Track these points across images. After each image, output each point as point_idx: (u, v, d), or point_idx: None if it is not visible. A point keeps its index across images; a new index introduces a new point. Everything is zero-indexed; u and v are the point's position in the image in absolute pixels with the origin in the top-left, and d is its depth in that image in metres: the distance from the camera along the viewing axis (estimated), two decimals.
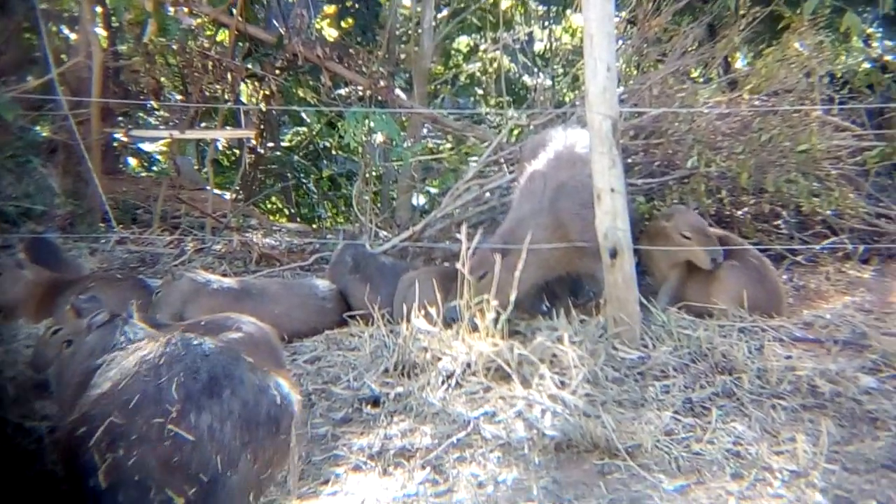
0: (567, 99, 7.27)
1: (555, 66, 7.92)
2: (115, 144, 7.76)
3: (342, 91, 7.72)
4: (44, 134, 6.69)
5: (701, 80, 6.19)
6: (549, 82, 7.75)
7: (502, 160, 5.99)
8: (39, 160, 6.24)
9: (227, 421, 2.40)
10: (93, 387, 2.56)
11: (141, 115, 8.18)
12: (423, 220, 5.91)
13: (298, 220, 10.24)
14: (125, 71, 7.18)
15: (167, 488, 2.31)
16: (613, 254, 3.74)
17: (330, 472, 2.86)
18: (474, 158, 6.81)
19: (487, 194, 5.87)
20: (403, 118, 7.78)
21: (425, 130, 8.44)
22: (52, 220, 6.02)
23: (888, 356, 3.56)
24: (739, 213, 5.40)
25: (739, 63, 6.64)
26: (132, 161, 9.22)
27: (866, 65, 6.16)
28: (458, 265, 3.86)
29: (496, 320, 3.59)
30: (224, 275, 5.35)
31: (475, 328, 3.65)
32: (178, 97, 7.93)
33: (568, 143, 4.43)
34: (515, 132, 6.66)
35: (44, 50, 6.28)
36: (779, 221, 5.50)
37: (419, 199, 8.72)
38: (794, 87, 5.25)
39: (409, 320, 3.86)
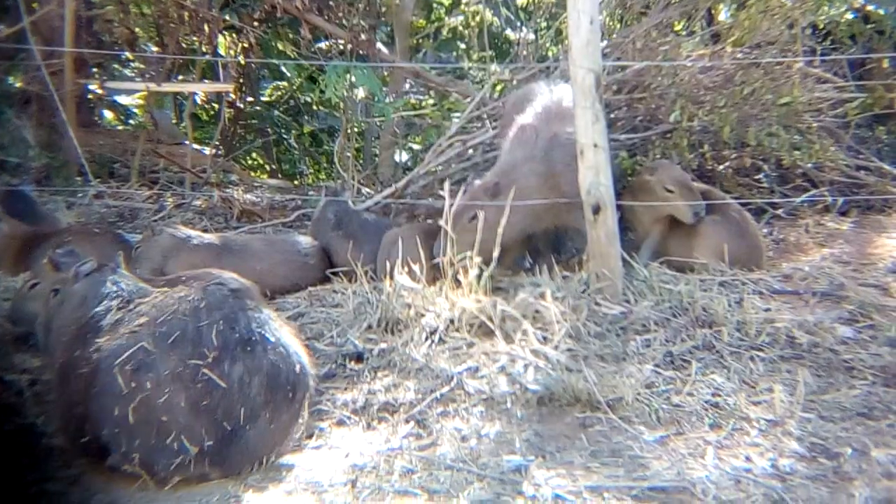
0: (550, 53, 7.18)
1: (538, 20, 7.79)
2: (90, 96, 7.57)
3: (322, 45, 7.58)
4: (17, 85, 6.50)
5: (684, 33, 6.14)
6: (532, 36, 7.63)
7: (485, 116, 5.94)
8: (13, 111, 6.08)
9: (255, 376, 2.50)
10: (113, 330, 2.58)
11: (116, 66, 7.97)
12: (405, 177, 5.87)
13: (280, 176, 10.12)
14: (98, 20, 6.96)
15: (185, 433, 2.39)
16: (596, 209, 3.74)
17: (314, 427, 2.89)
18: (457, 114, 6.76)
19: (470, 151, 5.83)
20: (385, 73, 7.66)
21: (407, 85, 8.32)
22: (27, 172, 5.90)
23: (865, 306, 3.63)
24: (721, 167, 5.42)
25: (723, 16, 6.57)
26: (108, 114, 9.02)
27: (849, 15, 6.11)
28: (441, 222, 3.85)
29: (479, 276, 3.60)
30: (205, 231, 5.30)
31: (458, 284, 3.65)
32: (154, 49, 7.72)
33: (557, 97, 4.40)
34: (498, 87, 6.60)
35: None
36: (760, 175, 5.53)
37: (401, 156, 8.66)
38: (776, 39, 5.22)
39: (392, 277, 3.87)
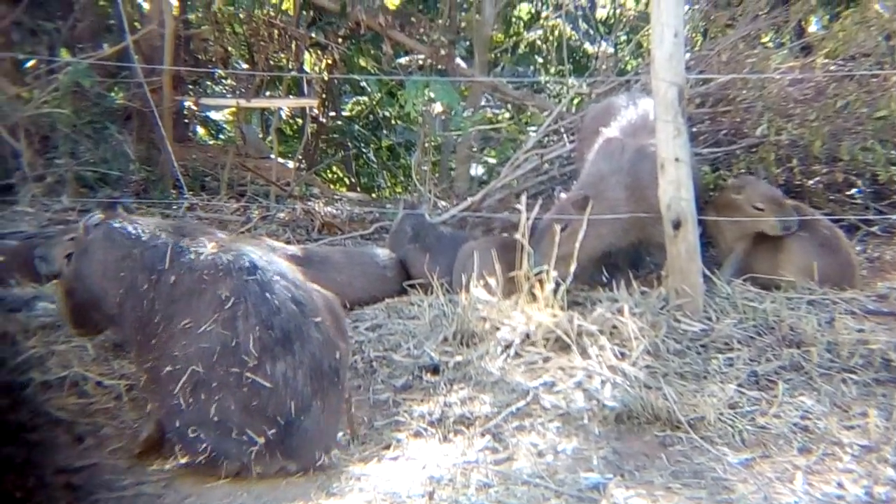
0: (629, 67, 7.10)
1: (618, 34, 7.72)
2: (185, 113, 7.93)
3: (403, 60, 7.72)
4: (119, 101, 6.88)
5: (772, 45, 5.96)
6: (611, 50, 7.56)
7: (562, 129, 5.92)
8: (115, 127, 6.44)
9: (298, 370, 2.60)
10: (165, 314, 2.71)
11: (209, 83, 8.33)
12: (481, 191, 5.90)
13: (359, 189, 10.35)
14: (195, 39, 7.29)
15: (248, 429, 2.51)
16: (677, 224, 3.67)
17: (391, 437, 2.92)
18: (533, 128, 6.75)
19: (546, 164, 5.82)
20: (463, 87, 7.73)
21: (484, 100, 8.37)
22: (127, 185, 6.23)
23: None
24: (811, 182, 5.21)
25: (814, 27, 6.35)
26: (200, 129, 9.43)
27: None
28: (518, 235, 3.86)
29: (555, 291, 3.58)
30: (288, 242, 5.45)
31: (534, 298, 3.64)
32: (245, 66, 8.04)
33: (642, 110, 4.35)
34: (576, 101, 6.56)
35: (119, 18, 6.43)
36: (853, 191, 5.28)
37: (478, 170, 8.70)
38: (872, 50, 5.01)
39: (467, 290, 3.89)
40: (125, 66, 6.31)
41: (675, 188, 3.66)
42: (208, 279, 2.70)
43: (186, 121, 8.11)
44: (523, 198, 4.07)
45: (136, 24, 6.68)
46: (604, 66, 6.76)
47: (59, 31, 6.76)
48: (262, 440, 2.54)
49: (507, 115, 8.35)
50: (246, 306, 2.65)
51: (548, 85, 8.16)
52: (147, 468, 2.67)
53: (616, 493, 2.44)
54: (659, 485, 2.51)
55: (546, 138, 6.03)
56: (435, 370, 3.43)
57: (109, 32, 7.30)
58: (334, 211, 7.33)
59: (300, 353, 2.64)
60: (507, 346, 3.41)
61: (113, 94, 6.90)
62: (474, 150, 7.75)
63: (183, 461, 2.63)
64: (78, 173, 6.04)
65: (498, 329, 3.55)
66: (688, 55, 5.16)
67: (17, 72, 6.50)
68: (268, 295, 2.69)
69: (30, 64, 6.69)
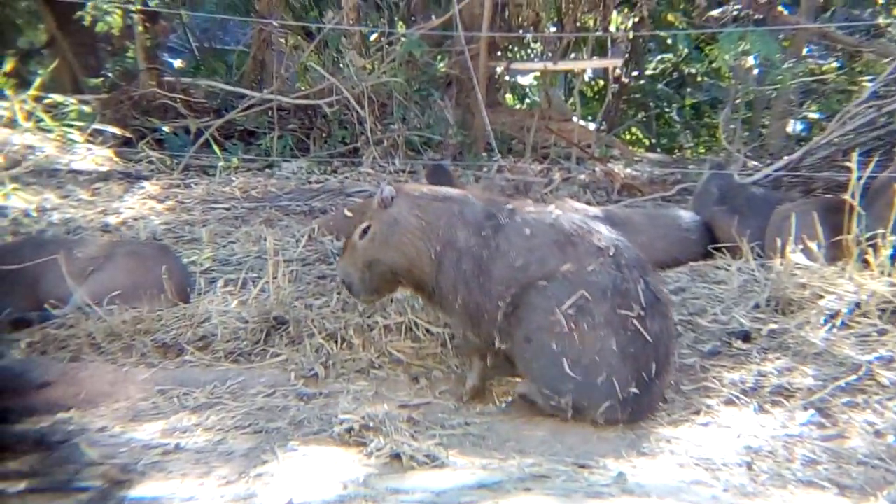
0: None
1: None
2: (496, 78, 8.41)
3: (715, 12, 7.31)
4: (442, 69, 7.55)
5: None
6: None
7: None
8: (438, 94, 7.11)
9: (664, 331, 2.71)
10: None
11: (517, 49, 8.71)
12: (801, 148, 5.43)
13: (659, 150, 10.11)
14: (510, 5, 7.65)
15: (616, 376, 2.63)
16: None
17: (701, 403, 2.84)
18: (869, 77, 5.99)
19: (885, 117, 5.15)
20: (784, 37, 7.09)
21: (807, 49, 7.59)
22: (446, 148, 6.87)
23: None
24: None
25: None
26: (508, 94, 9.94)
27: None
28: (846, 196, 3.52)
29: (895, 258, 3.21)
30: (589, 203, 5.57)
31: (867, 265, 3.31)
32: (553, 29, 8.25)
33: None
34: None
35: None
36: None
37: (796, 126, 7.97)
38: None
39: (784, 254, 3.66)
40: (449, 35, 6.89)
41: None
42: (578, 233, 2.78)
43: (497, 86, 8.59)
44: (854, 155, 3.68)
45: None
46: None
47: (397, 5, 7.59)
48: (634, 390, 2.62)
49: (835, 64, 7.48)
50: (627, 258, 2.76)
51: (890, 28, 7.12)
52: (472, 410, 2.88)
53: None
54: None
55: (884, 88, 5.32)
56: (746, 337, 3.27)
57: (438, 4, 7.97)
58: (634, 172, 7.29)
59: (666, 315, 2.75)
60: (833, 316, 3.15)
61: (437, 61, 7.57)
62: (793, 104, 7.10)
63: (540, 407, 2.74)
64: (408, 137, 6.79)
65: (821, 297, 3.28)
66: None
67: (364, 45, 7.45)
68: (636, 253, 2.82)
69: (373, 37, 7.63)
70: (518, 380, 2.94)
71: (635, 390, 2.63)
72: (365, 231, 3.01)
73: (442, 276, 2.91)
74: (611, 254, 2.73)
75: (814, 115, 7.80)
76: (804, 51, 7.44)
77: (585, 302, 2.65)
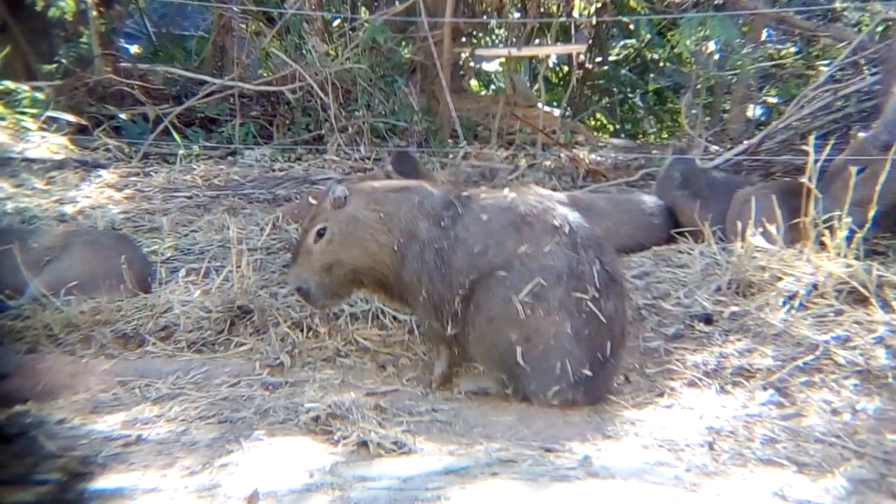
0: None
1: None
2: (461, 64, 8.38)
3: None
4: (405, 55, 7.50)
5: None
6: None
7: (863, 61, 5.28)
8: (402, 80, 7.05)
9: (618, 311, 2.74)
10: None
11: (481, 35, 8.70)
12: (761, 132, 5.52)
13: (623, 135, 10.19)
14: None
15: (569, 359, 2.65)
16: None
17: (665, 385, 2.89)
18: (825, 62, 6.10)
19: (841, 101, 5.26)
20: (743, 21, 7.18)
21: (766, 34, 7.70)
22: (412, 135, 6.82)
23: None
24: None
25: None
26: (473, 80, 9.92)
27: None
28: (804, 179, 3.59)
29: (850, 239, 3.28)
30: (554, 189, 5.59)
31: (823, 247, 3.38)
32: (517, 15, 8.24)
33: None
34: (880, 29, 5.80)
35: None
36: None
37: (755, 111, 8.09)
38: None
39: (744, 237, 3.72)
40: (412, 21, 6.82)
41: None
42: (532, 213, 2.78)
43: (462, 72, 8.56)
44: (811, 138, 3.75)
45: None
46: None
47: None
48: (587, 372, 2.64)
49: (793, 49, 7.61)
50: (582, 236, 2.75)
51: (846, 13, 7.26)
52: (439, 397, 2.88)
53: None
54: None
55: (840, 72, 5.43)
56: (708, 320, 3.33)
57: None
58: (599, 158, 7.34)
59: (621, 295, 2.77)
60: (791, 297, 3.20)
61: (401, 48, 7.51)
62: (753, 89, 7.20)
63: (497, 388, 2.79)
64: (372, 124, 6.74)
65: (780, 279, 3.34)
66: None
67: (327, 31, 7.35)
68: (591, 231, 2.82)
69: (336, 22, 7.53)
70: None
71: (588, 372, 2.66)
72: (320, 233, 2.94)
73: (405, 270, 2.89)
74: (566, 231, 2.73)
75: (772, 100, 7.92)
76: (763, 36, 7.54)
77: (541, 288, 2.66)
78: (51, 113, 6.51)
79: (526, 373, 2.68)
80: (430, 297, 2.85)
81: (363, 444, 2.30)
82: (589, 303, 2.66)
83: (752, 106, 7.57)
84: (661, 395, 2.84)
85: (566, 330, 2.65)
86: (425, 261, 2.85)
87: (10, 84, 6.71)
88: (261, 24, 8.09)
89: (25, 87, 6.84)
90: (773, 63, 7.12)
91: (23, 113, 6.48)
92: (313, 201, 4.57)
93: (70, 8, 6.73)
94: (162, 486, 2.05)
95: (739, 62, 6.36)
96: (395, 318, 3.46)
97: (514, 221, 2.78)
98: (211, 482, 2.06)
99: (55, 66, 8.12)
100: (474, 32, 8.29)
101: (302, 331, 3.26)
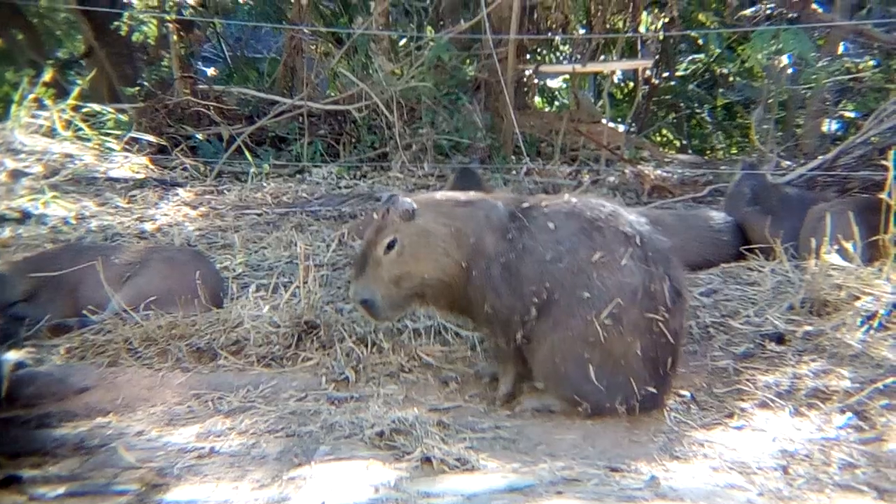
0: None
1: None
2: (524, 81, 8.40)
3: (748, 11, 7.22)
4: (470, 73, 7.58)
5: None
6: None
7: None
8: (466, 97, 7.13)
9: (682, 329, 2.78)
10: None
11: (545, 52, 8.69)
12: (836, 147, 5.34)
13: (689, 151, 10.01)
14: (539, 8, 7.64)
15: (634, 377, 2.67)
16: None
17: (734, 406, 2.81)
18: None
19: None
20: (818, 35, 6.98)
21: (843, 47, 7.46)
22: (475, 152, 6.86)
23: None
24: None
25: None
26: (536, 97, 9.92)
27: None
28: (883, 195, 3.46)
29: None
30: None
31: None
32: (582, 31, 8.22)
33: None
34: None
35: None
36: None
37: (831, 125, 7.84)
38: None
39: (819, 255, 3.60)
40: (477, 38, 6.88)
41: None
42: (600, 218, 2.75)
43: (526, 89, 8.58)
44: (891, 153, 3.60)
45: None
46: None
47: (426, 10, 7.60)
48: (651, 389, 2.67)
49: (872, 62, 7.34)
50: (653, 249, 2.72)
51: None
52: (502, 414, 2.87)
53: None
54: None
55: None
56: (780, 339, 3.23)
57: (466, 8, 7.98)
58: (665, 174, 7.23)
59: (684, 310, 2.78)
60: (871, 317, 3.09)
61: (465, 65, 7.59)
62: (828, 103, 6.98)
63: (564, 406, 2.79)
64: (436, 142, 6.82)
65: (857, 298, 3.23)
66: None
67: (393, 49, 7.50)
68: (660, 241, 2.80)
69: (402, 42, 7.67)
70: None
71: (653, 389, 2.69)
72: (390, 246, 2.88)
73: (471, 285, 2.88)
74: (637, 243, 2.71)
75: (849, 114, 7.66)
76: (840, 49, 7.31)
77: (618, 308, 2.65)
78: (133, 134, 6.83)
79: (596, 390, 2.69)
80: (496, 312, 2.84)
81: (427, 459, 2.32)
82: (660, 323, 2.66)
83: (827, 120, 7.33)
84: (730, 415, 2.76)
85: (636, 350, 2.65)
86: (492, 275, 2.83)
87: (95, 106, 7.08)
88: (330, 44, 8.31)
89: (110, 110, 7.21)
90: (851, 76, 6.88)
91: (107, 134, 6.82)
92: (377, 217, 4.69)
93: (152, 33, 7.06)
94: (233, 498, 2.11)
95: (814, 76, 6.17)
96: (457, 334, 3.48)
97: (584, 227, 2.76)
98: (280, 495, 2.11)
99: (137, 88, 8.54)
100: (538, 49, 8.29)
101: (366, 346, 3.31)
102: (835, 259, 3.54)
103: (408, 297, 2.97)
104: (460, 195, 3.10)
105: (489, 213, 2.92)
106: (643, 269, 2.68)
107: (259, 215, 5.58)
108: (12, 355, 3.17)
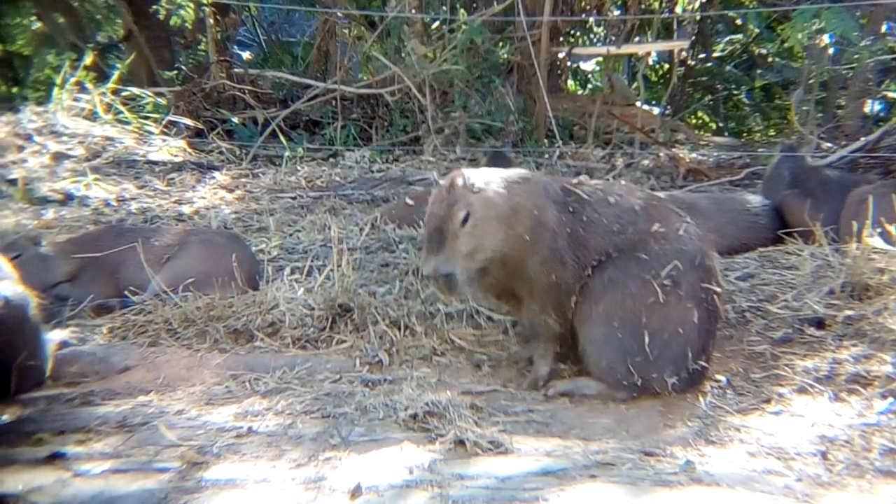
0: None
1: None
2: (557, 64, 8.30)
3: None
4: (503, 56, 7.51)
5: None
6: None
7: None
8: (499, 80, 7.08)
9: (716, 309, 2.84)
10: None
11: (579, 35, 8.58)
12: (879, 129, 5.21)
13: (726, 133, 9.83)
14: None
15: (690, 347, 2.73)
16: None
17: (772, 391, 2.78)
18: None
19: None
20: (860, 13, 6.78)
21: (884, 27, 7.24)
22: (508, 135, 6.83)
23: None
24: None
25: None
26: (569, 80, 9.81)
27: None
28: None
29: None
30: (652, 189, 5.47)
31: None
32: (617, 13, 8.09)
33: None
34: None
35: None
36: None
37: (874, 106, 7.64)
38: None
39: (860, 238, 3.53)
40: (510, 21, 6.83)
41: None
42: (651, 196, 2.98)
43: (559, 72, 8.49)
44: None
45: None
46: None
47: None
48: (703, 363, 2.75)
49: None
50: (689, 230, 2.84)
51: None
52: (535, 397, 2.86)
53: None
54: None
55: None
56: (819, 324, 3.18)
57: None
58: (700, 156, 7.12)
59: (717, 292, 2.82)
60: None
61: (498, 48, 7.53)
62: (871, 83, 6.79)
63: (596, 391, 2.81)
64: (468, 125, 6.80)
65: None
66: None
67: (426, 33, 7.48)
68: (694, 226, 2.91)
69: (435, 24, 7.64)
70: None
71: (704, 363, 2.75)
72: (465, 219, 2.81)
73: (534, 257, 2.87)
74: (688, 220, 2.87)
75: (893, 95, 7.45)
76: (883, 28, 7.09)
77: (677, 272, 2.73)
78: (171, 117, 6.93)
79: (648, 360, 2.72)
80: (556, 286, 2.86)
81: (460, 442, 2.34)
82: (715, 296, 2.74)
83: (869, 101, 7.14)
84: (767, 401, 2.73)
85: (693, 319, 2.70)
86: (557, 247, 2.86)
87: (134, 90, 7.19)
88: (362, 28, 8.31)
89: (148, 93, 7.32)
90: (894, 56, 6.68)
91: (146, 117, 6.93)
92: (410, 202, 4.69)
93: (189, 17, 7.14)
94: (271, 477, 2.16)
95: (857, 56, 6.00)
96: (489, 318, 3.48)
97: (640, 202, 2.90)
98: (317, 475, 2.16)
99: (175, 72, 8.64)
100: (572, 31, 8.18)
101: (399, 329, 3.33)
102: (877, 242, 3.46)
103: (479, 272, 2.92)
104: (514, 171, 3.11)
105: (546, 188, 2.96)
106: (697, 243, 2.80)
107: (293, 199, 5.63)
108: (57, 335, 3.26)
